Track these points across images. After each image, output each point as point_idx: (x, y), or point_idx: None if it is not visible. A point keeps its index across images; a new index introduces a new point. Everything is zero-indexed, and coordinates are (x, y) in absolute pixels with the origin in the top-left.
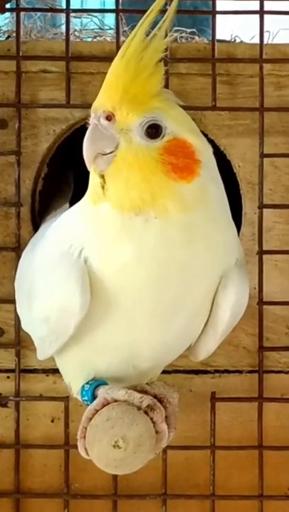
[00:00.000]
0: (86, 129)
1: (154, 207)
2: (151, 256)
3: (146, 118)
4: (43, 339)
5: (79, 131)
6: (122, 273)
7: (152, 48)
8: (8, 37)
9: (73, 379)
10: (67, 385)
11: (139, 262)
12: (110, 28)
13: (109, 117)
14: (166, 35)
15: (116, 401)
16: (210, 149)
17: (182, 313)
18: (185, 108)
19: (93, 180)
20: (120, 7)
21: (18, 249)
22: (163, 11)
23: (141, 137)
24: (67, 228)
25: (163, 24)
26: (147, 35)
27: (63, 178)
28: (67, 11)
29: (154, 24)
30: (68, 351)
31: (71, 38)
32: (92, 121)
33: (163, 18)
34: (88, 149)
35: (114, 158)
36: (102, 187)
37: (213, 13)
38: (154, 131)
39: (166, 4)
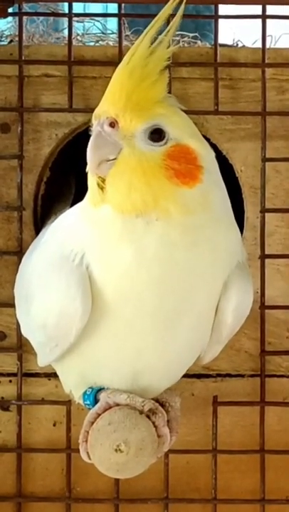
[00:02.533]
0: (88, 133)
1: (155, 209)
2: (153, 258)
3: (149, 124)
4: (42, 345)
5: (81, 136)
6: (123, 276)
7: (157, 56)
8: (11, 41)
9: (75, 388)
10: (68, 393)
11: (140, 264)
12: (113, 33)
13: (112, 124)
14: (170, 44)
15: (118, 405)
16: (212, 154)
17: (187, 320)
18: (187, 112)
19: (92, 182)
20: (123, 11)
21: (20, 253)
22: (171, 15)
23: (145, 143)
24: (67, 231)
25: (168, 33)
26: (152, 43)
27: (65, 182)
28: (70, 15)
29: (158, 31)
30: (69, 362)
31: (73, 42)
32: (95, 128)
33: (168, 27)
34: (93, 156)
35: (116, 162)
36: (102, 188)
37: (216, 17)
38: (157, 136)
39: None
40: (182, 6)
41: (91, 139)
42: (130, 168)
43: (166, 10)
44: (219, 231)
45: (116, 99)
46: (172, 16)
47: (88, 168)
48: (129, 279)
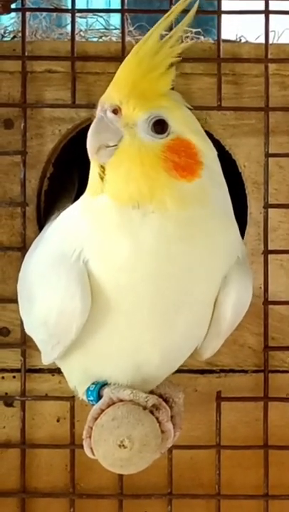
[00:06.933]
0: None
1: (152, 201)
2: (149, 251)
3: (152, 115)
4: (44, 342)
5: (84, 131)
6: (121, 270)
7: (166, 49)
8: (14, 37)
9: (79, 384)
10: (72, 389)
11: (136, 257)
12: (116, 28)
13: (115, 111)
14: (182, 40)
15: (121, 401)
16: (214, 153)
17: (185, 313)
18: (190, 108)
19: (94, 171)
20: (126, 7)
21: (23, 249)
22: (185, 11)
23: (146, 132)
24: (66, 226)
25: (179, 28)
26: (162, 37)
27: (68, 178)
28: (73, 11)
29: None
30: (72, 359)
31: (76, 38)
32: (98, 113)
33: (181, 22)
34: (92, 140)
35: (116, 151)
36: (102, 178)
37: (219, 13)
38: (159, 128)
39: (171, 4)
40: (196, 3)
41: (92, 123)
42: (129, 158)
43: (179, 5)
44: (217, 227)
45: (122, 86)
46: (183, 11)
47: (89, 154)
48: (127, 273)
